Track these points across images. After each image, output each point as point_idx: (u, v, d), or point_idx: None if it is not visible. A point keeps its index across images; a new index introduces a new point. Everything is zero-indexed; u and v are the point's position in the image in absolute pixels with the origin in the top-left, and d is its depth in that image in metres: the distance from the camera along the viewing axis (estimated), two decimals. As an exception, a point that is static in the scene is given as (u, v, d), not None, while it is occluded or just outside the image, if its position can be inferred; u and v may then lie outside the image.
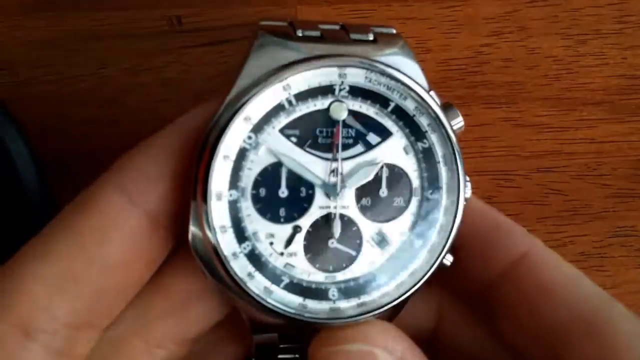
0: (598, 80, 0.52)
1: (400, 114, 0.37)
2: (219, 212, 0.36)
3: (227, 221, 0.36)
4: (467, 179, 0.38)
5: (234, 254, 0.36)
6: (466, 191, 0.38)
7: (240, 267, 0.36)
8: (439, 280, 0.40)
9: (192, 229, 0.35)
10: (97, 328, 0.35)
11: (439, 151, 0.38)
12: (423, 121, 0.38)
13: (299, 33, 0.37)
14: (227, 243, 0.36)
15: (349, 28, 0.38)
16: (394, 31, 0.39)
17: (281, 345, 0.39)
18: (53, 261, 0.32)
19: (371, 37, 0.38)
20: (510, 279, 0.39)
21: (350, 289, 0.37)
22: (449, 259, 0.38)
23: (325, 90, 0.37)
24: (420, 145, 0.38)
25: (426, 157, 0.38)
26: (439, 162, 0.38)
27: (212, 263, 0.36)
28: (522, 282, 0.38)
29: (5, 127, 0.48)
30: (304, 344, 0.37)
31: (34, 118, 0.51)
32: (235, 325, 0.39)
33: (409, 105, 0.37)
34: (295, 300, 0.37)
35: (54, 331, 0.32)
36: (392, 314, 0.38)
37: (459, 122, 0.38)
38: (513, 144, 0.52)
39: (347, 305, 0.37)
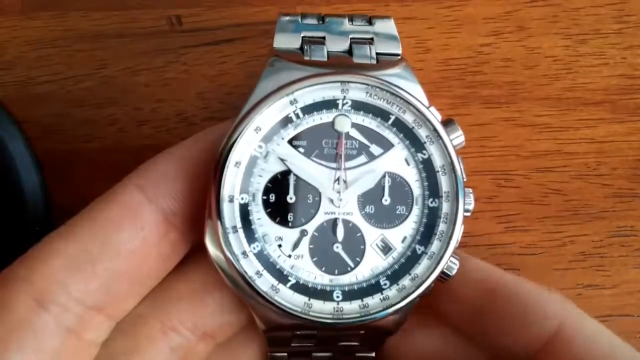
0: (598, 80, 0.52)
1: (400, 127, 0.40)
2: (230, 213, 0.38)
3: (238, 222, 0.39)
4: (470, 190, 0.40)
5: (244, 253, 0.38)
6: (467, 202, 0.40)
7: (249, 265, 0.38)
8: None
9: (208, 229, 0.38)
10: (109, 316, 0.37)
11: (438, 161, 0.40)
12: (422, 133, 0.40)
13: (307, 57, 0.40)
14: (237, 242, 0.38)
15: (354, 49, 0.40)
16: (398, 56, 0.41)
17: (293, 345, 0.41)
18: (72, 241, 0.35)
19: (374, 62, 0.40)
20: (545, 358, 0.38)
21: (354, 292, 0.39)
22: (452, 267, 0.39)
23: (330, 104, 0.40)
24: (420, 155, 0.40)
25: (426, 167, 0.40)
26: (438, 172, 0.40)
27: (224, 261, 0.38)
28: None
29: (5, 127, 0.48)
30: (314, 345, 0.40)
31: (34, 118, 0.51)
32: (255, 329, 0.40)
33: (408, 118, 0.40)
34: (300, 299, 0.39)
35: (67, 307, 0.34)
36: (395, 325, 0.40)
37: (458, 136, 0.40)
38: (513, 144, 0.52)
39: (350, 306, 0.39)
